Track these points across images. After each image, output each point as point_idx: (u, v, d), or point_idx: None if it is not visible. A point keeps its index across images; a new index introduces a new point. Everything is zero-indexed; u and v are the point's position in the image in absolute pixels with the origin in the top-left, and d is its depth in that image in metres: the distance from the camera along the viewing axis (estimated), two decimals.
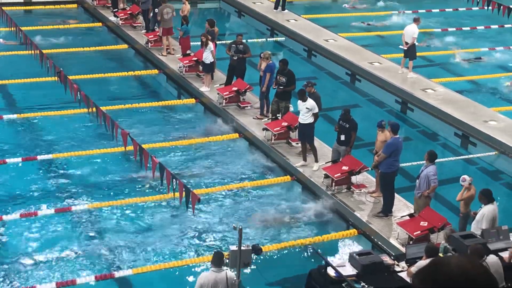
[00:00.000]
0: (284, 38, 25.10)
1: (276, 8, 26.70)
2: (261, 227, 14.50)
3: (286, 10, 26.60)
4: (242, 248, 10.81)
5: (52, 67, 18.55)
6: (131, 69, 22.11)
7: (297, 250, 13.96)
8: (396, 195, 14.64)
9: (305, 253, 13.90)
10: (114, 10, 25.24)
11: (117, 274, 12.88)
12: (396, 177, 14.39)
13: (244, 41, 19.64)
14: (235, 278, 10.84)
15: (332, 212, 15.04)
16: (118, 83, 21.20)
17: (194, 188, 14.61)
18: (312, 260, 13.57)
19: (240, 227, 10.79)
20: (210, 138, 17.97)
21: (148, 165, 14.76)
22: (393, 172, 14.29)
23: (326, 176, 15.40)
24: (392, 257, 12.61)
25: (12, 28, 21.92)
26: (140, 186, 15.79)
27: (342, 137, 15.45)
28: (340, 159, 15.46)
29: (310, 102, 15.88)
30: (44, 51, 19.43)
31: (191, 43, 21.55)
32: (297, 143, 16.79)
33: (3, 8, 23.59)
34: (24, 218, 14.18)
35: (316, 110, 15.93)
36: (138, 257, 13.39)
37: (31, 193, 15.16)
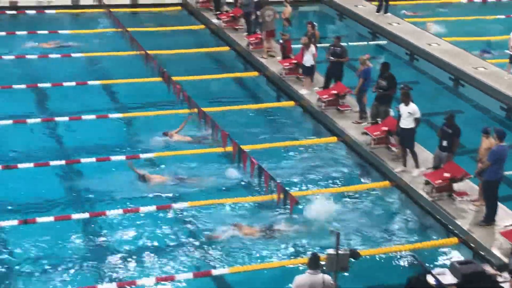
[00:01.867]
0: (385, 42, 24.81)
1: (378, 11, 26.42)
2: (358, 231, 14.36)
3: (388, 13, 26.27)
4: (340, 252, 10.72)
5: (156, 67, 18.99)
6: (232, 71, 22.36)
7: (395, 256, 13.75)
8: (499, 204, 14.23)
9: (404, 260, 13.68)
10: (216, 12, 25.64)
11: (214, 272, 13.04)
12: (499, 186, 13.99)
13: (343, 44, 19.53)
14: (332, 282, 10.76)
15: (432, 219, 14.75)
16: (219, 84, 21.45)
17: (291, 191, 14.63)
18: (411, 267, 13.35)
19: (337, 231, 10.70)
20: (308, 141, 17.95)
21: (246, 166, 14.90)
22: (497, 180, 13.90)
23: (427, 183, 15.12)
24: (494, 267, 12.27)
25: (119, 29, 22.58)
26: (237, 186, 15.91)
27: (445, 143, 15.13)
28: (442, 166, 15.15)
29: (412, 107, 15.63)
30: (149, 52, 19.96)
31: (292, 46, 21.59)
32: (397, 148, 16.55)
33: (110, 9, 24.35)
34: (127, 214, 14.52)
35: (418, 114, 15.66)
36: (237, 256, 13.49)
37: (131, 191, 15.48)
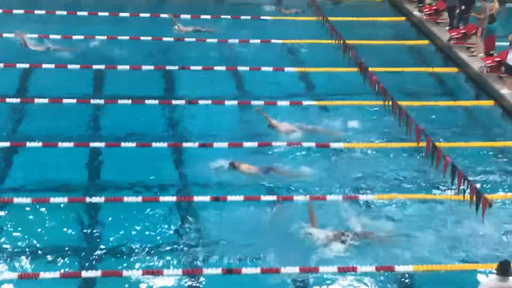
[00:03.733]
0: None
1: None
2: None
3: None
4: None
5: (354, 58, 18.96)
6: (430, 65, 21.86)
7: None
8: None
9: None
10: (419, 5, 25.20)
11: (397, 268, 12.84)
12: None
13: None
14: None
15: None
16: (415, 78, 21.05)
17: (484, 193, 14.09)
18: None
19: None
20: (507, 143, 17.18)
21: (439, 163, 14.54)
22: None
23: None
24: None
25: (320, 18, 22.87)
26: (426, 183, 15.58)
27: None
28: None
29: None
30: (347, 42, 20.02)
31: (496, 43, 20.74)
32: None
33: None
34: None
35: None
36: (403, 253, 13.28)
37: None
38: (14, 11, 24.07)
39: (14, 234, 13.35)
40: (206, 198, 14.61)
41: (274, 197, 14.71)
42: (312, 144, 16.79)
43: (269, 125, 16.82)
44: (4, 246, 13.00)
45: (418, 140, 15.91)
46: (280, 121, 16.95)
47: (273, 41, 22.90)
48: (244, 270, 12.58)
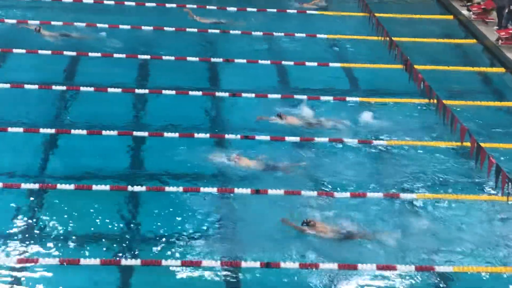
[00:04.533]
0: None
1: None
2: None
3: None
4: None
5: (399, 55, 18.81)
6: (477, 65, 21.57)
7: None
8: None
9: None
10: (467, 3, 24.87)
11: (437, 268, 12.78)
12: None
13: None
14: None
15: None
16: (461, 77, 20.81)
17: None
18: None
19: None
20: None
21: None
22: None
23: None
24: None
25: (367, 14, 22.74)
26: (469, 183, 15.41)
27: None
28: None
29: None
30: (393, 39, 19.88)
31: None
32: None
33: None
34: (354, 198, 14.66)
35: None
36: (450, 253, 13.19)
37: (353, 175, 15.55)
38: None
39: (56, 220, 13.53)
40: (247, 191, 14.64)
41: (314, 193, 14.73)
42: (355, 141, 16.74)
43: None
44: (46, 231, 13.20)
45: (462, 140, 15.76)
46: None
47: (318, 35, 22.79)
48: (283, 265, 12.58)
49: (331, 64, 20.85)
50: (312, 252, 12.93)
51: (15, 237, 12.98)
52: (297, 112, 17.76)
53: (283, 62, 20.74)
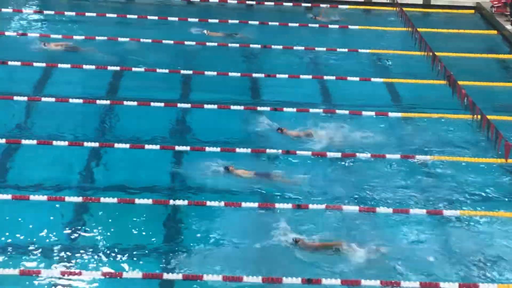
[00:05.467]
0: None
1: None
2: None
3: None
4: None
5: (442, 70, 18.66)
6: None
7: None
8: None
9: None
10: (511, 18, 24.61)
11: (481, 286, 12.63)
12: None
13: None
14: None
15: None
16: (505, 93, 20.57)
17: None
18: None
19: None
20: None
21: None
22: None
23: None
24: None
25: (409, 29, 22.65)
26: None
27: None
28: None
29: None
30: (436, 54, 19.75)
31: None
32: None
33: (403, 8, 24.42)
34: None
35: None
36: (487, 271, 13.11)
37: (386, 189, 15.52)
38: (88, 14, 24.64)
39: (99, 233, 13.68)
40: (288, 206, 14.65)
41: (357, 208, 14.68)
42: (397, 156, 16.64)
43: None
44: (89, 244, 13.33)
45: (506, 157, 15.60)
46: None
47: (360, 50, 22.74)
48: (324, 281, 12.52)
49: (373, 79, 20.79)
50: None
51: (58, 250, 13.15)
52: (333, 126, 17.76)
53: (325, 77, 20.73)
